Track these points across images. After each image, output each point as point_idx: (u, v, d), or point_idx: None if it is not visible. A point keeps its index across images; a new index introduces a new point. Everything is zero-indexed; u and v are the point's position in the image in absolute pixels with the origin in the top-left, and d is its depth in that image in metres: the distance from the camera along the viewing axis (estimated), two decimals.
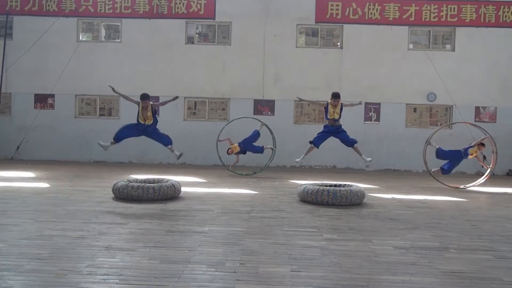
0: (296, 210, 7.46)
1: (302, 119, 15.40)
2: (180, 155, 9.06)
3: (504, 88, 14.91)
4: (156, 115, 8.98)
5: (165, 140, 8.97)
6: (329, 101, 8.76)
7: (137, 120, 8.82)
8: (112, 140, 8.95)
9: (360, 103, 9.11)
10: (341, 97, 9.05)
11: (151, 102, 8.80)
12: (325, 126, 8.80)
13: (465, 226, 6.61)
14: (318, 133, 8.96)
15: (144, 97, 8.71)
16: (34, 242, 5.09)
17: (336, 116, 8.61)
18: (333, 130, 8.69)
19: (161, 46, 15.07)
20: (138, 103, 8.75)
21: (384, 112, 15.07)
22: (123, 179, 8.47)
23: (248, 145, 12.37)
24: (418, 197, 9.36)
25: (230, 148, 12.32)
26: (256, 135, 12.50)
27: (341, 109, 8.66)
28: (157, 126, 9.12)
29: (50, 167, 12.91)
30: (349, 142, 8.71)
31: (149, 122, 8.76)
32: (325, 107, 8.72)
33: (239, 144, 12.30)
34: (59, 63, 14.89)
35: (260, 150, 12.49)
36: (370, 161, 9.44)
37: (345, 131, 8.85)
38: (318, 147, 8.97)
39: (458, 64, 14.88)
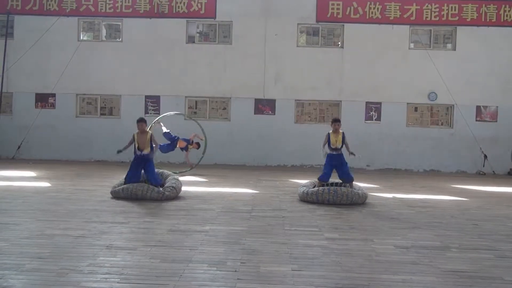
0: (297, 210, 7.46)
1: (303, 118, 15.39)
2: (165, 194, 8.60)
3: (505, 87, 14.88)
4: (153, 146, 8.61)
5: (155, 181, 8.38)
6: (330, 131, 8.82)
7: (134, 152, 8.44)
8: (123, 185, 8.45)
9: (357, 156, 8.97)
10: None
11: (149, 131, 8.54)
12: (328, 156, 8.84)
13: (466, 226, 6.61)
14: (324, 167, 8.96)
15: (140, 120, 8.43)
16: (35, 241, 5.10)
17: (339, 145, 8.71)
18: (336, 159, 8.73)
19: (162, 46, 15.06)
20: (132, 136, 8.41)
21: (385, 112, 15.05)
22: (122, 179, 8.48)
23: (168, 146, 12.12)
24: (419, 196, 9.35)
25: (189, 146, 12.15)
26: (166, 134, 12.13)
27: (343, 139, 8.73)
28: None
29: (51, 167, 12.91)
30: (348, 178, 8.74)
31: (147, 151, 8.36)
32: (327, 138, 8.78)
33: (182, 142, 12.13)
34: (60, 62, 14.89)
35: (169, 138, 12.06)
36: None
37: (347, 163, 8.85)
38: (328, 182, 8.93)
39: (459, 64, 14.85)
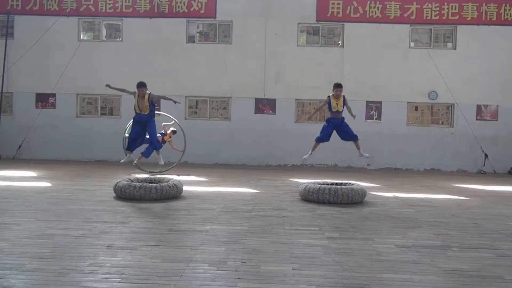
0: (298, 209, 7.46)
1: (303, 118, 15.38)
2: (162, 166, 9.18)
3: (506, 86, 14.85)
4: (155, 106, 9.04)
5: (155, 142, 9.03)
6: (331, 94, 8.74)
7: (135, 111, 8.82)
8: (126, 151, 9.09)
9: (354, 116, 8.89)
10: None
11: (148, 92, 8.78)
12: (327, 120, 8.74)
13: (466, 225, 6.60)
14: (322, 129, 8.84)
15: (140, 84, 8.67)
16: (35, 241, 5.10)
17: (340, 108, 8.55)
18: (337, 123, 8.60)
19: (162, 45, 15.05)
20: (134, 93, 8.76)
21: (385, 111, 15.04)
22: (124, 179, 8.48)
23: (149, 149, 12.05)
24: (419, 195, 9.35)
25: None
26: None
27: (344, 102, 8.62)
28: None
29: (51, 167, 12.91)
30: (352, 137, 8.63)
31: (146, 112, 8.71)
32: (327, 102, 8.69)
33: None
34: (60, 62, 14.88)
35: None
36: (368, 157, 9.34)
37: (348, 125, 8.78)
38: (327, 141, 8.77)
39: (459, 63, 14.83)
